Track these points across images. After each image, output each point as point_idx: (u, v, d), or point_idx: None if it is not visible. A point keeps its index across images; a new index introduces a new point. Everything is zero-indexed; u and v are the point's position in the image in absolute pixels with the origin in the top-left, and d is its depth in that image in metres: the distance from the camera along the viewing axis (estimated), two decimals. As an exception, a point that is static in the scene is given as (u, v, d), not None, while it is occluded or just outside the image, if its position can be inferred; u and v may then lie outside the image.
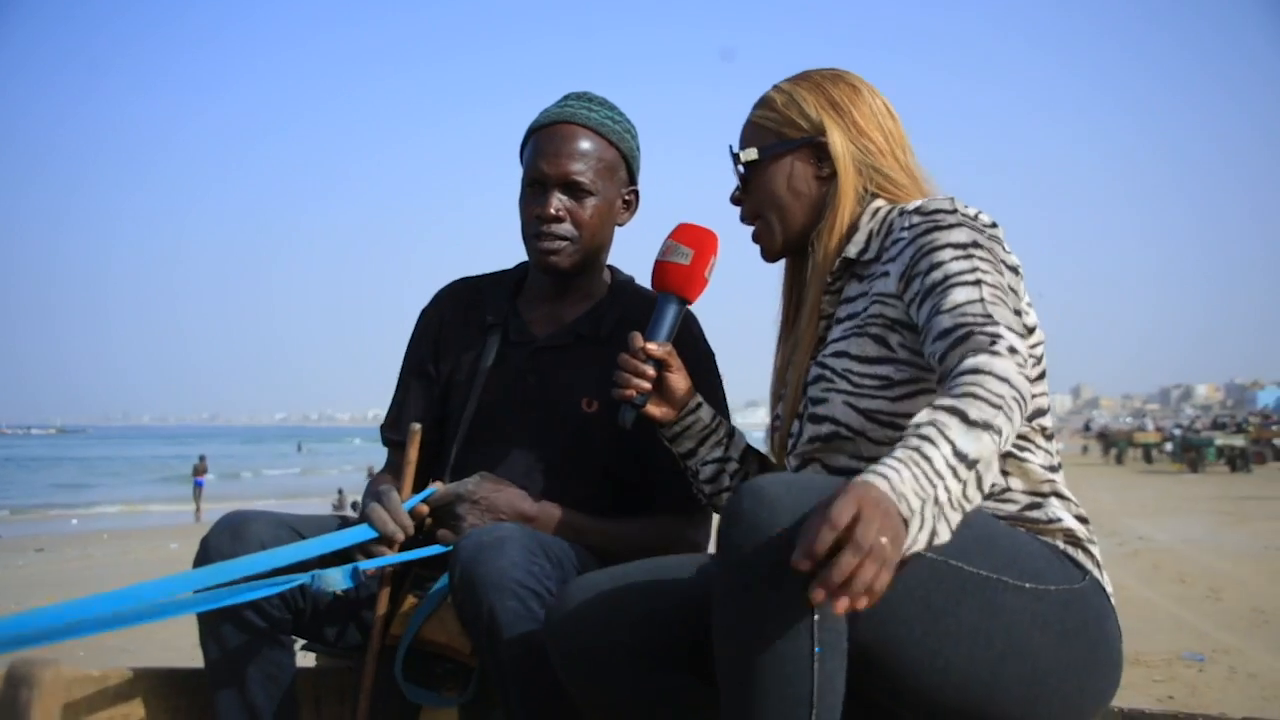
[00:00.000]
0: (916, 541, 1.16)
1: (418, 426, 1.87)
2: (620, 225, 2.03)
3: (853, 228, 1.63)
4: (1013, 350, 1.31)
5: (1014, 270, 1.51)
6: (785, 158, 1.67)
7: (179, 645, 4.96)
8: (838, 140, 1.64)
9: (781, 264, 1.77)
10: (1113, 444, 36.77)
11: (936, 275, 1.44)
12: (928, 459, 1.19)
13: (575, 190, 1.92)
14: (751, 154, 1.68)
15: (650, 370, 1.72)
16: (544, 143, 1.93)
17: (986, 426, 1.22)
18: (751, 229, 1.73)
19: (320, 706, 1.97)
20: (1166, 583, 8.21)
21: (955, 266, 1.44)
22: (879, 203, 1.63)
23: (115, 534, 14.64)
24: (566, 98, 2.01)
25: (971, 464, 1.21)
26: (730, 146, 1.72)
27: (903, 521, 1.14)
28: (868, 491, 1.13)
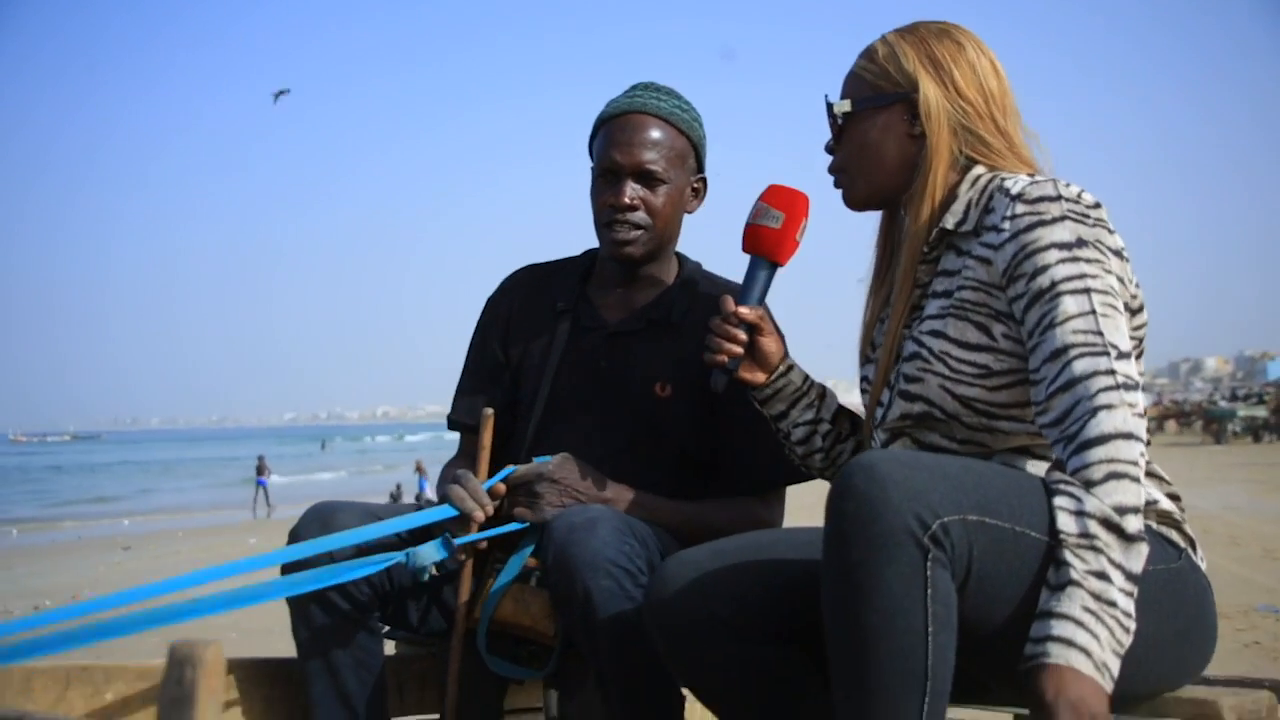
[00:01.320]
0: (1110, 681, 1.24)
1: (490, 411, 1.90)
2: (689, 213, 2.05)
3: (951, 195, 1.60)
4: (1125, 386, 1.36)
5: (1119, 254, 1.50)
6: (879, 112, 1.63)
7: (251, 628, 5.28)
8: (933, 98, 1.59)
9: (873, 220, 1.76)
10: None
11: (1043, 281, 1.44)
12: (1112, 604, 1.25)
13: (648, 179, 1.94)
14: (845, 105, 1.66)
15: (742, 335, 1.71)
16: (616, 132, 1.96)
17: (1137, 533, 1.28)
18: (834, 178, 1.71)
19: (403, 693, 1.97)
20: (1221, 545, 8.58)
21: (1062, 271, 1.43)
22: (978, 170, 1.59)
23: (190, 532, 15.06)
24: (634, 88, 2.03)
25: (1136, 579, 1.28)
26: (826, 96, 1.70)
27: (1108, 688, 1.22)
28: (1080, 692, 1.19)
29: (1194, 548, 1.47)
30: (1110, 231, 1.49)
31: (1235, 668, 4.40)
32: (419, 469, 21.83)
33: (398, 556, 1.72)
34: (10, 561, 11.67)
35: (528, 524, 1.82)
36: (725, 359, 1.71)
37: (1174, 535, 1.47)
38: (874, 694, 1.24)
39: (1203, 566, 1.50)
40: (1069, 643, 1.22)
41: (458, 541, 1.77)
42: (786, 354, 1.79)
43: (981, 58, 1.61)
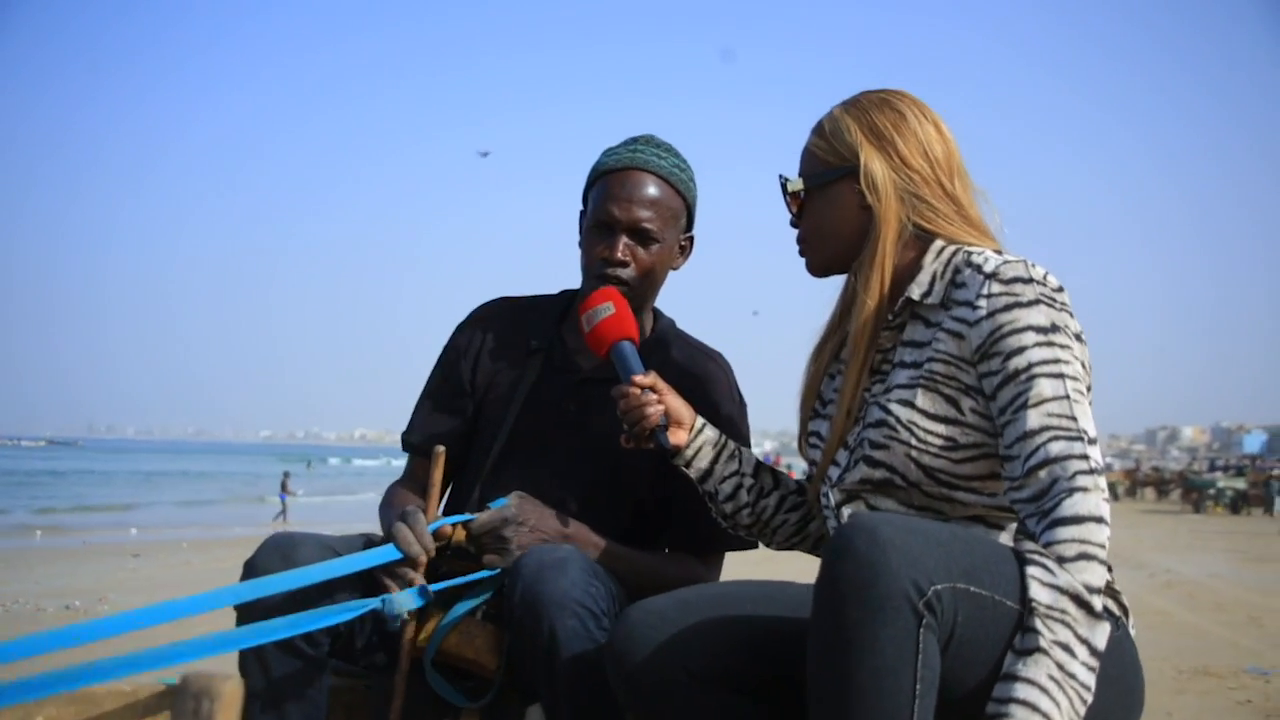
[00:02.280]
0: None
1: (442, 450, 1.89)
2: (674, 269, 2.08)
3: (915, 266, 1.64)
4: (1096, 471, 1.43)
5: (1079, 338, 1.54)
6: (830, 187, 1.68)
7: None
8: (876, 169, 1.64)
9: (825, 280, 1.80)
10: None
11: (1020, 362, 1.49)
12: (1072, 676, 1.32)
13: (643, 236, 1.98)
14: (798, 184, 1.72)
15: (653, 396, 1.77)
16: (615, 187, 1.98)
17: (1101, 611, 1.36)
18: (799, 245, 1.77)
19: None
20: (1208, 610, 8.94)
21: (1038, 354, 1.48)
22: (939, 242, 1.63)
23: (195, 544, 15.19)
24: (635, 142, 2.06)
25: (1099, 656, 1.35)
26: (780, 175, 1.75)
27: None
28: None
29: (1126, 616, 1.52)
30: (1072, 316, 1.54)
31: (1231, 723, 4.78)
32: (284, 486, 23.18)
33: (373, 603, 1.73)
34: (30, 562, 11.86)
35: (497, 570, 1.84)
36: (656, 418, 1.76)
37: (1113, 606, 1.51)
38: None
39: (1133, 634, 1.55)
40: (1033, 707, 1.30)
41: (434, 588, 1.78)
42: (693, 411, 1.83)
43: (924, 124, 1.65)
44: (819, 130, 1.72)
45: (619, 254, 1.97)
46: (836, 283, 1.78)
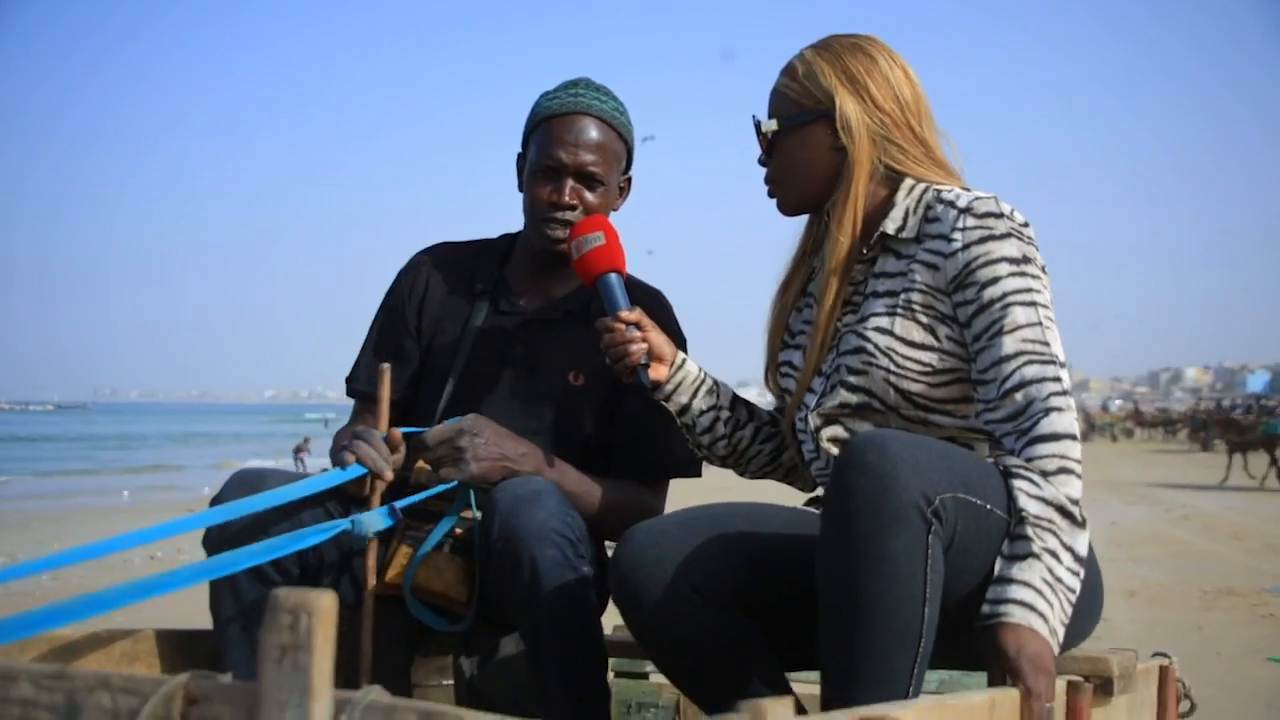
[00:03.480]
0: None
1: (386, 366, 1.90)
2: (614, 210, 2.07)
3: (888, 203, 1.68)
4: (1068, 392, 1.52)
5: (1044, 271, 1.61)
6: (803, 129, 1.71)
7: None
8: (851, 112, 1.67)
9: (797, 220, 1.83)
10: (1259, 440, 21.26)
11: (994, 291, 1.55)
12: (1060, 580, 1.40)
13: (589, 179, 1.99)
14: (771, 125, 1.74)
15: (638, 333, 1.77)
16: (560, 130, 1.98)
17: (1082, 517, 1.46)
18: (768, 188, 1.79)
19: None
20: (1227, 539, 9.49)
21: (1012, 284, 1.55)
22: (909, 180, 1.68)
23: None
24: (575, 85, 2.05)
25: (1082, 562, 1.45)
26: (754, 116, 1.77)
27: (1056, 652, 1.38)
28: (1038, 649, 1.35)
29: (1085, 525, 1.56)
30: (1038, 250, 1.61)
31: (1252, 637, 5.31)
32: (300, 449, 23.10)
33: (343, 524, 1.75)
34: (86, 520, 12.42)
35: (455, 483, 1.84)
36: (640, 356, 1.76)
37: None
38: (873, 654, 1.35)
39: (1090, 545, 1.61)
40: (1030, 607, 1.37)
41: (400, 505, 1.80)
42: (675, 347, 1.85)
43: (894, 68, 1.70)
44: (790, 72, 1.74)
45: (566, 197, 1.98)
46: (785, 224, 1.83)
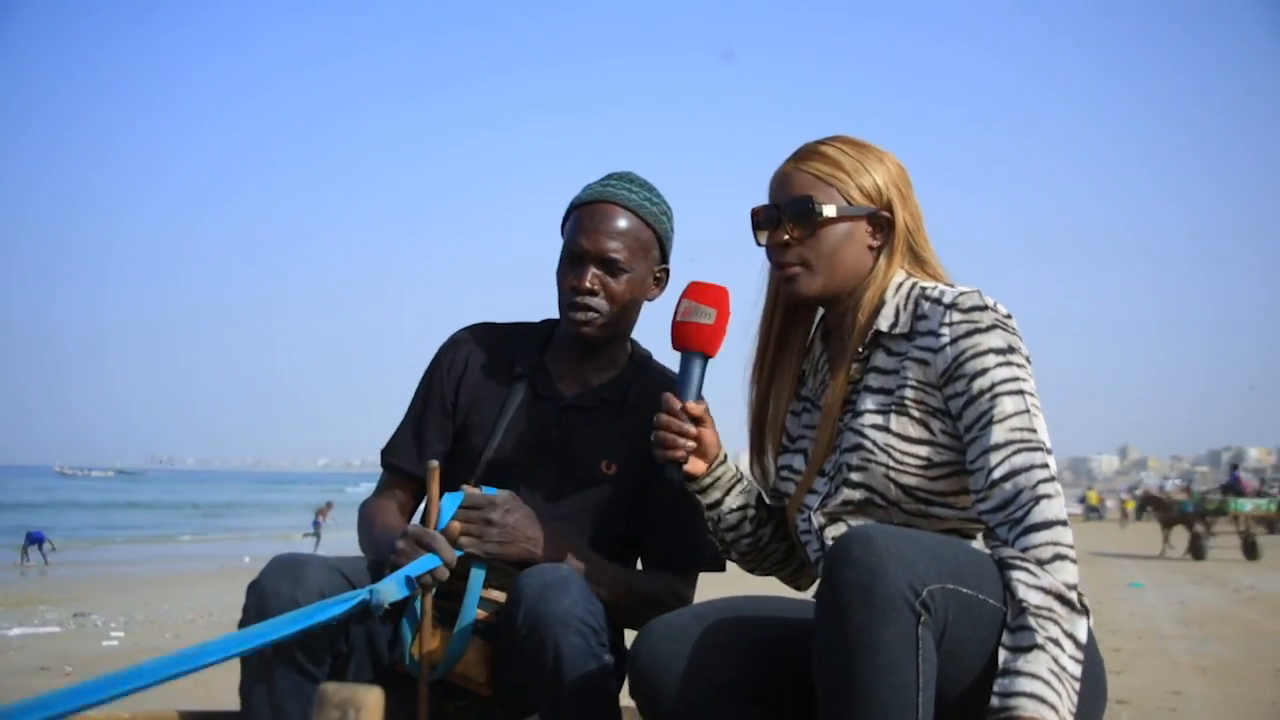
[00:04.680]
0: None
1: (436, 464, 1.89)
2: (649, 300, 2.10)
3: (879, 301, 1.72)
4: (1055, 479, 1.55)
5: (1029, 360, 1.64)
6: (851, 221, 1.73)
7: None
8: (901, 219, 1.73)
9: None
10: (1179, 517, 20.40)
11: (983, 382, 1.59)
12: (1065, 669, 1.42)
13: (610, 266, 2.01)
14: (831, 210, 1.71)
15: (692, 429, 1.75)
16: (585, 219, 2.03)
17: (1079, 599, 1.47)
18: (787, 268, 1.75)
19: None
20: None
21: (1000, 374, 1.59)
22: (899, 276, 1.73)
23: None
24: (609, 177, 2.10)
25: (1083, 648, 1.46)
26: (810, 196, 1.72)
27: None
28: None
29: (1088, 613, 1.55)
30: (1022, 340, 1.65)
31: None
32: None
33: (361, 594, 1.74)
34: (179, 583, 13.03)
35: (462, 552, 1.84)
36: (681, 453, 1.75)
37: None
38: None
39: (1093, 633, 1.61)
40: (1040, 699, 1.39)
41: (416, 571, 1.78)
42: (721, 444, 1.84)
43: (906, 177, 1.77)
44: (832, 163, 1.74)
45: (587, 283, 2.00)
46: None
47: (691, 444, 1.76)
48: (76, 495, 54.33)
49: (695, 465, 1.78)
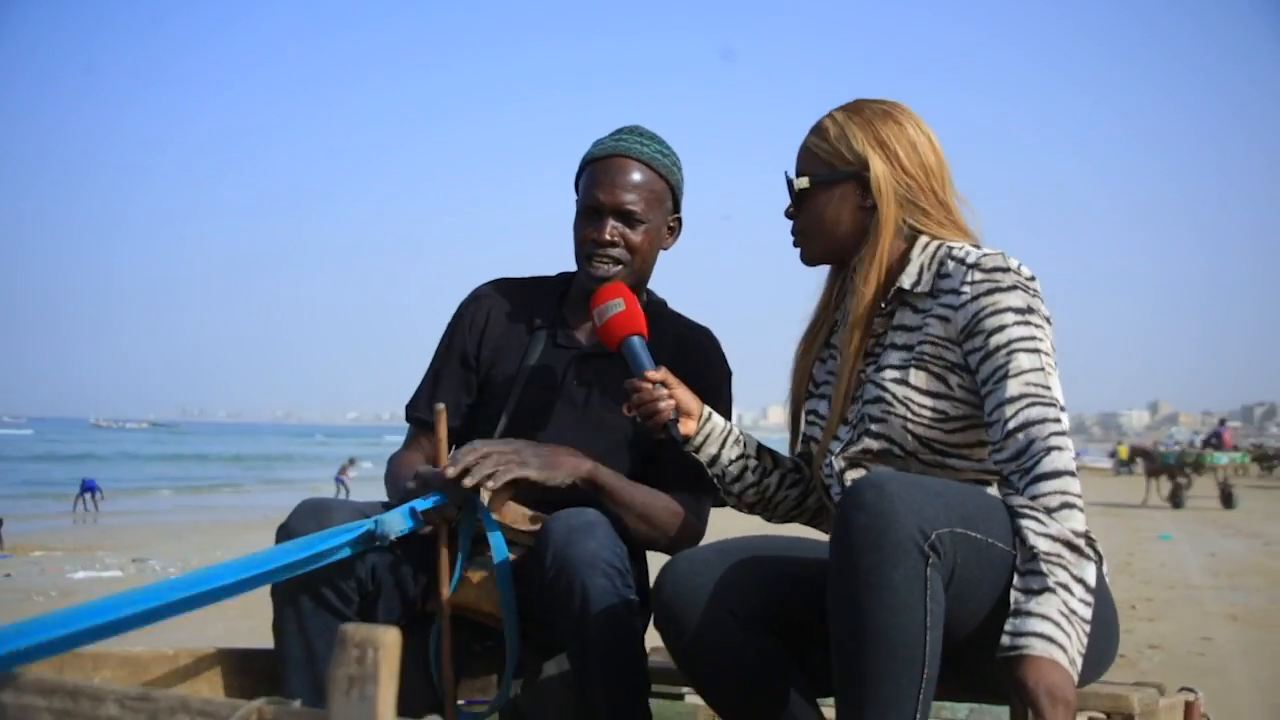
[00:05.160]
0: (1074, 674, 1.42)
1: (442, 406, 1.95)
2: (665, 249, 2.17)
3: (904, 259, 1.77)
4: (1066, 432, 1.59)
5: (1048, 321, 1.68)
6: (833, 187, 1.79)
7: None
8: (882, 176, 1.75)
9: (819, 271, 1.92)
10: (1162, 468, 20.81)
11: (1000, 339, 1.64)
12: (1074, 612, 1.45)
13: (628, 218, 2.06)
14: (804, 183, 1.81)
15: (664, 391, 1.86)
16: (600, 174, 2.07)
17: (1087, 543, 1.52)
18: (793, 239, 1.87)
19: None
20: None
21: (1017, 331, 1.64)
22: (924, 238, 1.77)
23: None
24: (619, 131, 2.14)
25: (1092, 592, 1.49)
26: (786, 172, 1.85)
27: (1075, 683, 1.42)
28: (1057, 680, 1.40)
29: (1101, 560, 1.61)
30: (1043, 301, 1.69)
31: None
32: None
33: (367, 524, 1.80)
34: (229, 531, 13.51)
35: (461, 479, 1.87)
36: (668, 413, 1.85)
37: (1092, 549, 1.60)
38: (879, 680, 1.41)
39: (1107, 580, 1.67)
40: (1049, 639, 1.43)
41: (423, 505, 1.83)
42: (702, 402, 1.93)
43: (920, 135, 1.79)
44: (821, 132, 1.82)
45: (606, 235, 2.06)
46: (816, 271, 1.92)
47: (670, 402, 1.87)
48: (119, 447, 55.22)
49: (686, 425, 1.89)
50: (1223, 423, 30.07)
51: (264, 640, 1.94)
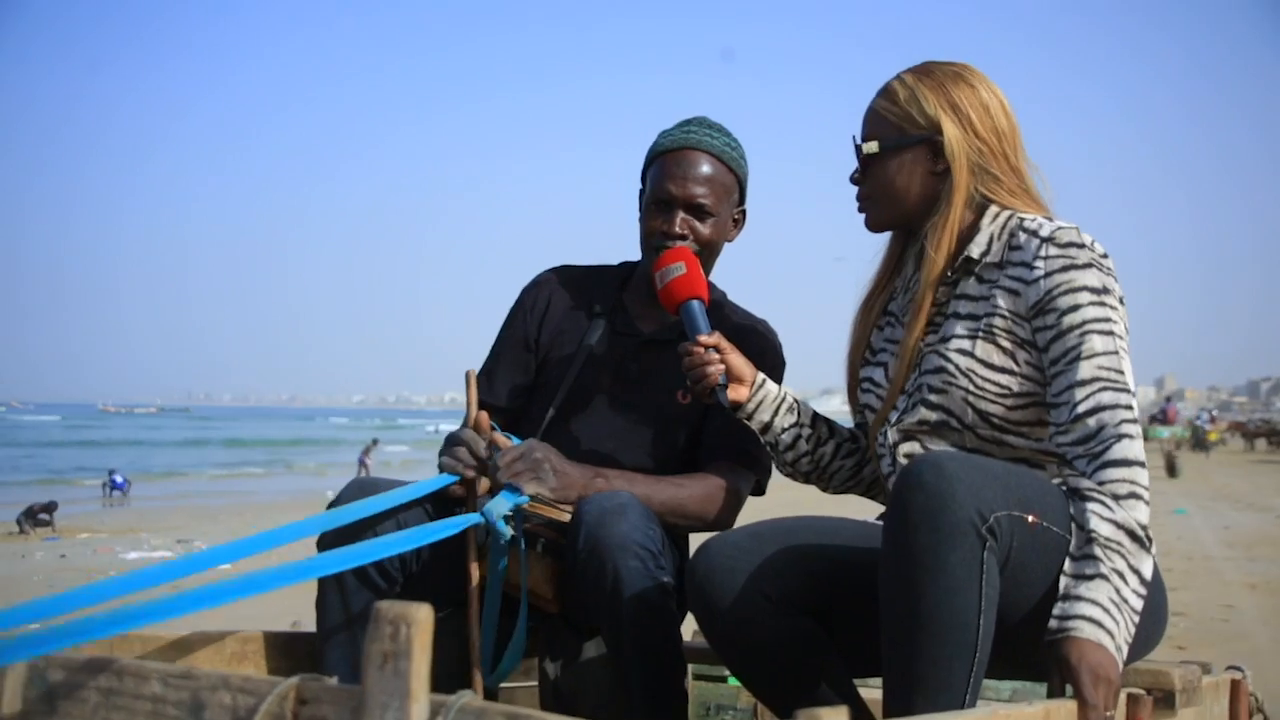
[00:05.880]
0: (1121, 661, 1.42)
1: (472, 371, 2.02)
2: (729, 241, 2.17)
3: (973, 228, 1.73)
4: (1137, 420, 1.56)
5: (1121, 302, 1.64)
6: (904, 152, 1.75)
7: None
8: (954, 140, 1.71)
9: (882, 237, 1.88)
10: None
11: (1074, 319, 1.60)
12: (1126, 601, 1.44)
13: (698, 211, 2.08)
14: (873, 146, 1.77)
15: (715, 356, 1.83)
16: (671, 166, 2.09)
17: (1148, 537, 1.49)
18: (859, 203, 1.84)
19: None
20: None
21: (1092, 312, 1.60)
22: (995, 208, 1.73)
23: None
24: (688, 123, 2.16)
25: (1147, 585, 1.48)
26: (854, 136, 1.82)
27: (1120, 662, 1.42)
28: (1100, 660, 1.39)
29: (1152, 547, 1.58)
30: (1117, 281, 1.66)
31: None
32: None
33: (474, 517, 1.80)
34: (262, 513, 13.81)
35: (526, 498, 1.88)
36: (716, 376, 1.83)
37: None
38: (931, 662, 1.41)
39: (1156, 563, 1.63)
40: (1098, 624, 1.41)
41: (522, 501, 1.85)
42: (755, 368, 1.90)
43: (993, 98, 1.75)
44: (890, 95, 1.79)
45: (677, 228, 2.07)
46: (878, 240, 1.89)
47: (720, 366, 1.84)
48: (137, 433, 55.58)
49: (737, 392, 1.87)
50: (1169, 400, 33.75)
51: (290, 619, 2.04)
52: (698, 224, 2.09)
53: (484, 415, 1.95)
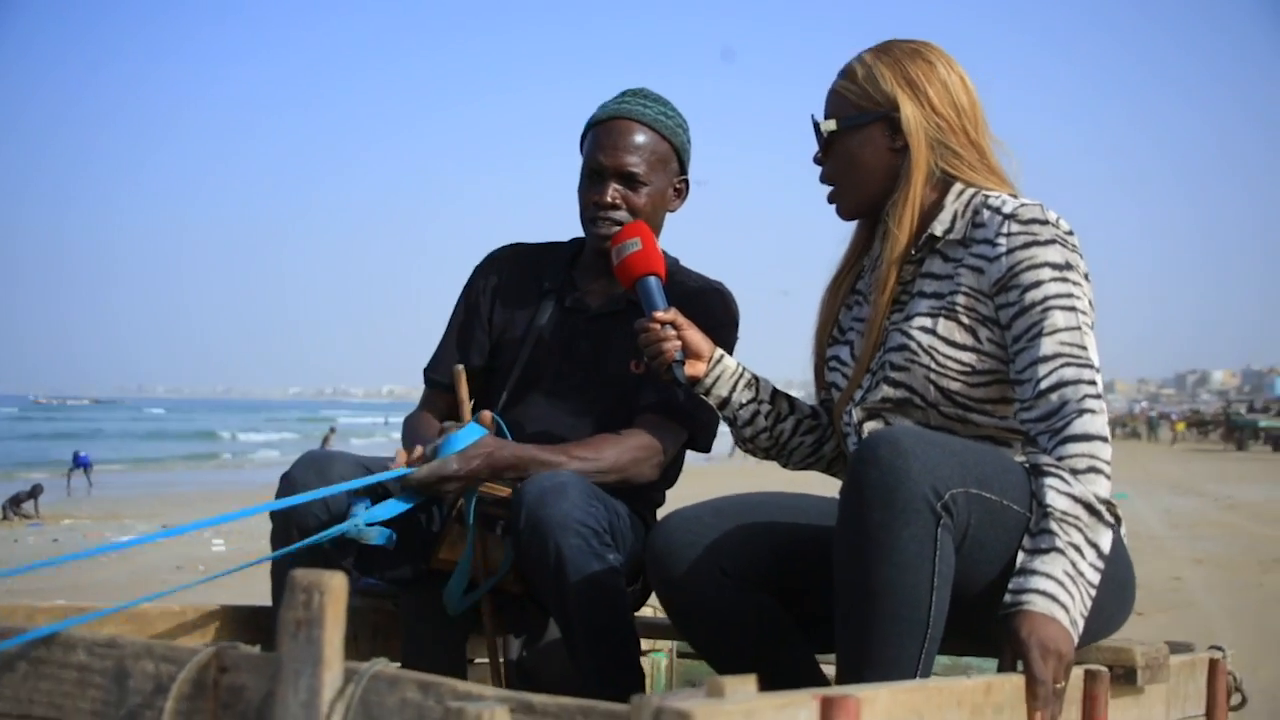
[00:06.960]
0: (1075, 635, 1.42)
1: (460, 367, 1.99)
2: (671, 211, 2.17)
3: (936, 206, 1.72)
4: (1100, 396, 1.57)
5: (1086, 278, 1.64)
6: (862, 129, 1.75)
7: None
8: (911, 116, 1.70)
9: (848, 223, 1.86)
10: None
11: (1036, 295, 1.60)
12: (1082, 575, 1.44)
13: (630, 180, 2.07)
14: (831, 125, 1.77)
15: (672, 332, 1.83)
16: (602, 136, 2.09)
17: (1108, 509, 1.49)
18: (828, 189, 1.83)
19: (358, 644, 2.05)
20: (1272, 523, 10.78)
21: (1054, 288, 1.59)
22: (959, 185, 1.72)
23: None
24: (624, 94, 2.14)
25: (1105, 559, 1.48)
26: (812, 115, 1.80)
27: (1075, 642, 1.41)
28: (1052, 634, 1.37)
29: (1120, 524, 1.57)
30: (1082, 257, 1.65)
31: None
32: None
33: (344, 527, 1.83)
34: (239, 499, 13.72)
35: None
36: (673, 353, 1.82)
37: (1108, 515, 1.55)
38: (882, 639, 1.42)
39: (1125, 541, 1.63)
40: (1051, 597, 1.41)
41: (380, 517, 1.87)
42: (713, 343, 1.89)
43: (952, 75, 1.74)
44: (849, 74, 1.78)
45: (608, 198, 2.06)
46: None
47: (677, 343, 1.83)
48: (82, 425, 54.70)
49: (694, 367, 1.86)
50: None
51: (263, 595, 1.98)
52: (630, 194, 2.08)
53: (486, 414, 1.96)
